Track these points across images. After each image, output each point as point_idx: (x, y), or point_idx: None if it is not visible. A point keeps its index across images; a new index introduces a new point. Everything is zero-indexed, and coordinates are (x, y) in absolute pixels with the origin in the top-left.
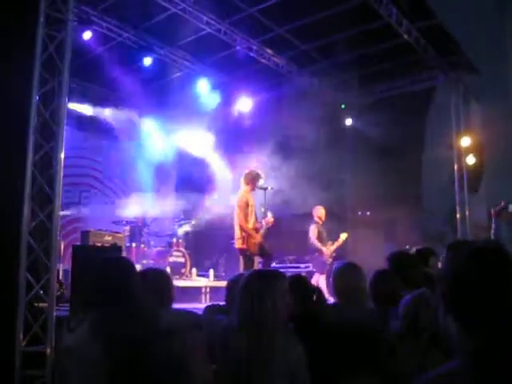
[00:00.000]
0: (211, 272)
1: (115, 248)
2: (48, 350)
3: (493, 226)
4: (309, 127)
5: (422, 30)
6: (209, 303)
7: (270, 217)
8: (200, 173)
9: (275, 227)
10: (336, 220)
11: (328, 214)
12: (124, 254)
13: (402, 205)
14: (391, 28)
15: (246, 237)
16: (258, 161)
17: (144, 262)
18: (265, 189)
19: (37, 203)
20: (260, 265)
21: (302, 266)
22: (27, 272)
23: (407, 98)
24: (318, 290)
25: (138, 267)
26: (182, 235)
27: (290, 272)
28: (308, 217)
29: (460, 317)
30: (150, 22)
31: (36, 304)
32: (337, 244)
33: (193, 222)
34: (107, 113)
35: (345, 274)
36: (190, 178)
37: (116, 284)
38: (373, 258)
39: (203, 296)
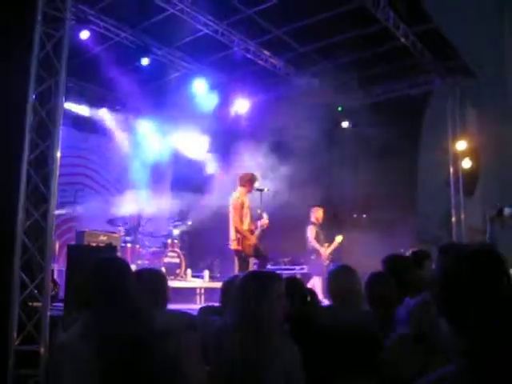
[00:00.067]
0: (206, 273)
1: (110, 248)
2: (42, 350)
3: (488, 229)
4: (305, 129)
5: (419, 34)
6: (203, 304)
7: (265, 218)
8: (196, 174)
9: (271, 229)
10: (331, 222)
11: (324, 215)
12: (119, 254)
13: (397, 208)
14: (388, 32)
15: (241, 238)
16: (255, 162)
17: (139, 262)
18: (261, 190)
19: (32, 202)
20: (255, 266)
21: (297, 267)
22: (21, 271)
23: (404, 102)
24: (311, 293)
25: (133, 267)
26: (177, 236)
27: (285, 274)
28: (304, 219)
29: (452, 318)
30: (147, 22)
31: (30, 303)
32: (332, 246)
33: (188, 223)
34: (104, 112)
35: (339, 276)
36: (185, 179)
37: (111, 284)
38: (368, 261)
39: (198, 297)
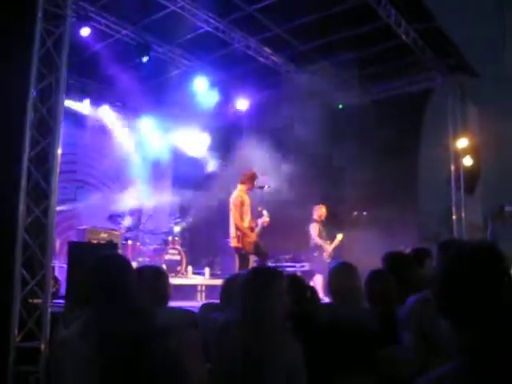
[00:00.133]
0: (207, 270)
1: (111, 245)
2: (42, 346)
3: (489, 227)
4: (306, 126)
5: (420, 31)
6: (204, 301)
7: (265, 216)
8: (196, 171)
9: (271, 226)
10: (332, 220)
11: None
12: (120, 251)
13: (398, 205)
14: (389, 29)
15: (241, 236)
16: (255, 160)
17: (140, 259)
18: (262, 188)
19: (32, 199)
20: (255, 263)
21: (298, 265)
22: (22, 268)
23: (405, 99)
24: (312, 290)
25: (134, 265)
26: (177, 233)
27: (285, 271)
28: (304, 216)
29: (451, 315)
30: (148, 19)
31: (31, 300)
32: (333, 245)
33: (189, 220)
34: (104, 110)
35: (340, 273)
36: (186, 176)
37: (111, 281)
38: (368, 258)
39: (199, 294)
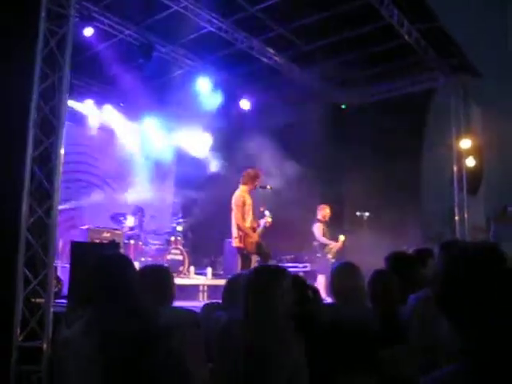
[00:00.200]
0: (209, 270)
1: (113, 245)
2: (44, 346)
3: (492, 228)
4: (309, 127)
5: (423, 31)
6: (207, 301)
7: (267, 216)
8: (199, 171)
9: (273, 226)
10: (335, 220)
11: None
12: (122, 250)
13: (401, 206)
14: (392, 29)
15: (243, 236)
16: (258, 160)
17: (142, 259)
18: (264, 188)
19: (35, 199)
20: (257, 264)
21: (300, 265)
22: (25, 267)
23: (407, 99)
24: (314, 290)
25: (137, 265)
26: (180, 233)
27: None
28: (307, 216)
29: (450, 315)
30: (151, 19)
31: (33, 299)
32: (336, 246)
33: (191, 220)
34: (107, 109)
35: (342, 273)
36: (189, 176)
37: (113, 281)
38: (371, 258)
39: (201, 294)
